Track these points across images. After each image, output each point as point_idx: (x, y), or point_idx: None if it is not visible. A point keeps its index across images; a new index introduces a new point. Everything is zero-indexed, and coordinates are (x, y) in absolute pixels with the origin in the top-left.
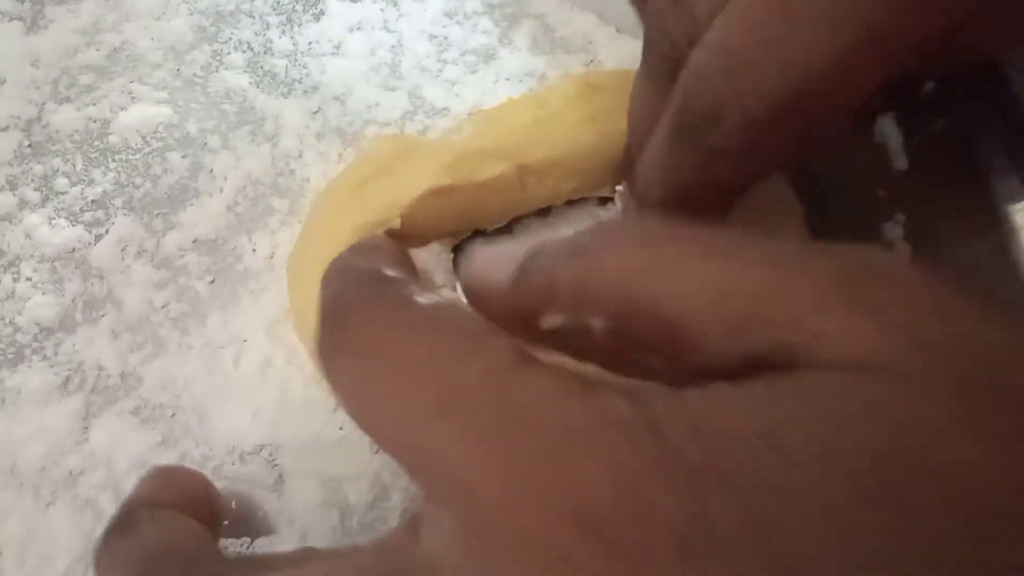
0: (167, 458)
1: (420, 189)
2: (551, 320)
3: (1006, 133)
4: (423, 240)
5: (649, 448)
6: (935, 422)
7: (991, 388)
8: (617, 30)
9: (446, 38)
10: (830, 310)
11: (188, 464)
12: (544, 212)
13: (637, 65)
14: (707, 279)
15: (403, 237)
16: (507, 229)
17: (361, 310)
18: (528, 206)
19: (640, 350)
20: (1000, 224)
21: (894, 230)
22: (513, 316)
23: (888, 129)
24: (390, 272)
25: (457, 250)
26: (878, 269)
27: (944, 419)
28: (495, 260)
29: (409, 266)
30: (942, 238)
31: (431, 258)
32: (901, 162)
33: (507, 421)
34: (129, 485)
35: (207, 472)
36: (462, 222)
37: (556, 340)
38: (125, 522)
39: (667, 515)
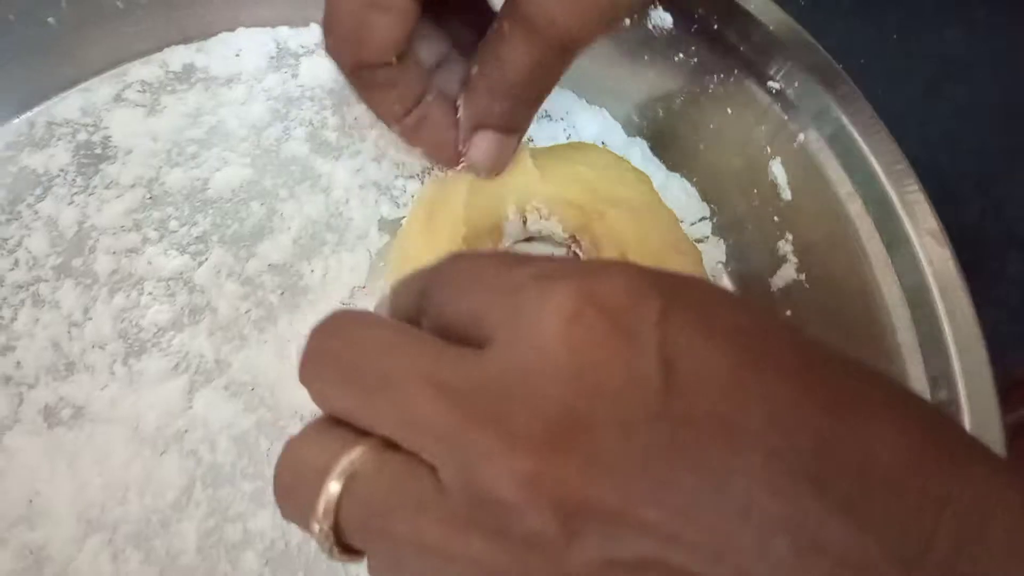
0: (248, 422)
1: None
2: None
3: None
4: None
5: None
6: None
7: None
8: (588, 102)
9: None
10: None
11: (262, 425)
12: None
13: (608, 128)
14: None
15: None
16: None
17: None
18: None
19: None
20: None
21: (785, 246)
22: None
23: (776, 170)
24: None
25: None
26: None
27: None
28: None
29: None
30: (819, 251)
31: None
32: (787, 195)
33: None
34: (221, 440)
35: (277, 432)
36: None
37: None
38: None
39: None
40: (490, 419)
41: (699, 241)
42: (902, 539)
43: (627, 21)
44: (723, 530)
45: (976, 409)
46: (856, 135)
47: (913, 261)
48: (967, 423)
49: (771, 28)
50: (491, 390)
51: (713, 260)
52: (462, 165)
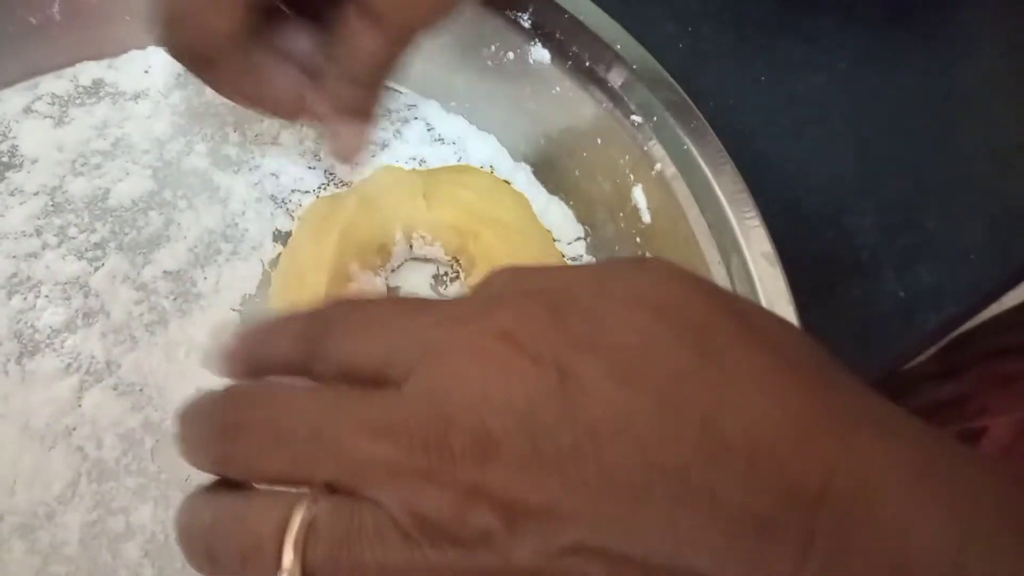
0: (134, 420)
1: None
2: None
3: None
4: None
5: None
6: None
7: None
8: (479, 129)
9: None
10: None
11: (148, 424)
12: None
13: (496, 153)
14: None
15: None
16: None
17: None
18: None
19: None
20: None
21: None
22: None
23: (638, 196)
24: None
25: None
26: None
27: None
28: None
29: None
30: None
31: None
32: (647, 218)
33: None
34: (108, 437)
35: (162, 431)
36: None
37: None
38: None
39: None
40: (423, 446)
41: (575, 259)
42: (791, 501)
43: (510, 55)
44: (629, 511)
45: None
46: (703, 165)
47: (748, 279)
48: None
49: (635, 67)
50: (418, 420)
51: None
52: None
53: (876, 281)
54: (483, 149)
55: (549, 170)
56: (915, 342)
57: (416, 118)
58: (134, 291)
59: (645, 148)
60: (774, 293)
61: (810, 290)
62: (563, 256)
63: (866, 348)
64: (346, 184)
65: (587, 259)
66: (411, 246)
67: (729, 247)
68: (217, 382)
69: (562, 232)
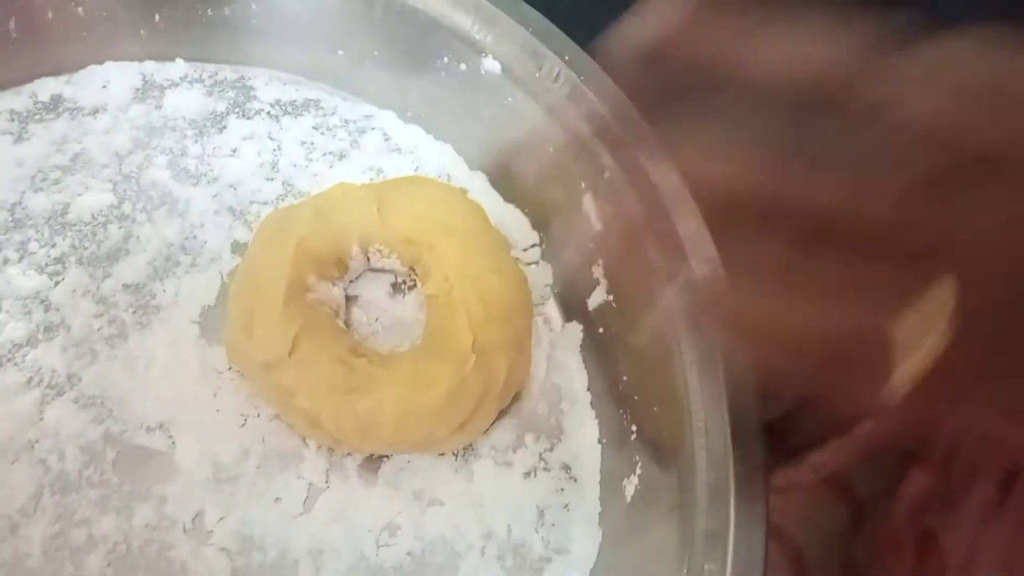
0: (95, 432)
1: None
2: None
3: None
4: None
5: None
6: None
7: None
8: (435, 138)
9: (312, 144)
10: None
11: (110, 436)
12: None
13: (453, 162)
14: None
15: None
16: None
17: None
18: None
19: None
20: None
21: (598, 271)
22: None
23: (588, 203)
24: None
25: None
26: None
27: None
28: None
29: None
30: (622, 274)
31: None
32: (597, 225)
33: None
34: (70, 450)
35: (123, 443)
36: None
37: None
38: None
39: None
40: None
41: (531, 264)
42: None
43: (463, 66)
44: None
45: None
46: (650, 173)
47: (691, 284)
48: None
49: (582, 77)
50: None
51: (542, 283)
52: None
53: None
54: (439, 158)
55: (504, 178)
56: None
57: (373, 128)
58: (94, 304)
59: (593, 156)
60: (715, 296)
61: None
62: (517, 262)
63: None
64: (304, 194)
65: (544, 265)
66: (368, 259)
67: (673, 253)
68: (181, 393)
69: (518, 239)
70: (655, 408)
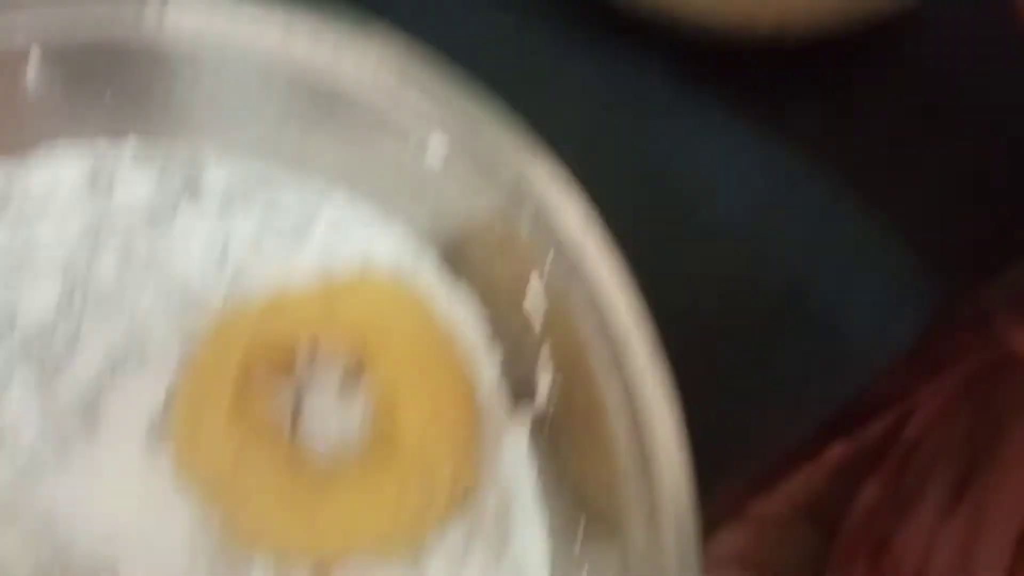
0: (45, 552)
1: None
2: None
3: None
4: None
5: None
6: None
7: None
8: (386, 215)
9: (263, 225)
10: None
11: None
12: None
13: (403, 240)
14: None
15: None
16: None
17: None
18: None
19: None
20: None
21: (546, 351)
22: None
23: (535, 282)
24: None
25: None
26: None
27: None
28: None
29: None
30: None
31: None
32: (543, 306)
33: None
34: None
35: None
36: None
37: None
38: None
39: None
40: None
41: (478, 344)
42: None
43: (413, 144)
44: None
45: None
46: (595, 259)
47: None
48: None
49: (531, 159)
50: None
51: (490, 369)
52: None
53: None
54: (389, 237)
55: (454, 254)
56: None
57: (324, 206)
58: (39, 414)
59: (539, 239)
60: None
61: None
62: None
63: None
64: (253, 284)
65: (492, 345)
66: (314, 362)
67: (614, 339)
68: (126, 511)
69: (465, 322)
70: (600, 499)
